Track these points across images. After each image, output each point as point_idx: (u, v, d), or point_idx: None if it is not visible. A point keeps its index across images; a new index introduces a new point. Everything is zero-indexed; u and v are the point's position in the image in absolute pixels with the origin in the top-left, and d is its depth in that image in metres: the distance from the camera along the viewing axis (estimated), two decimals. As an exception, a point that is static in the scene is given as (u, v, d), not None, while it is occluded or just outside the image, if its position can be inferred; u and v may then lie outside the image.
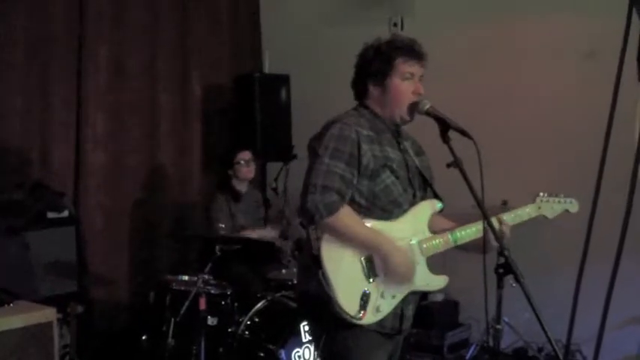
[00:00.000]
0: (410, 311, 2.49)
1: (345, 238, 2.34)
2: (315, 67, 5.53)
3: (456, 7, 4.94)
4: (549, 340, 2.06)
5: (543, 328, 2.06)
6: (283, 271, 4.29)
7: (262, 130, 5.36)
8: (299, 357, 3.72)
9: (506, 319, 4.00)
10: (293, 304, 3.82)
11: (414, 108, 2.45)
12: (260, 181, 5.49)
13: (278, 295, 3.96)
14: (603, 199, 2.63)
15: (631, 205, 2.27)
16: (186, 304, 3.70)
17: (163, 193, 5.24)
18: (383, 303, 2.36)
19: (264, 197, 5.03)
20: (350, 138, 2.38)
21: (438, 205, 2.51)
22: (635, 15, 2.36)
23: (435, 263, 2.48)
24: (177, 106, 5.34)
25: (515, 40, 4.70)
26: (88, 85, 4.71)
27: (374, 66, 2.47)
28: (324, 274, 2.30)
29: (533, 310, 2.06)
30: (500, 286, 2.17)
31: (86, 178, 4.71)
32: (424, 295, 3.78)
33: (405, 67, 2.44)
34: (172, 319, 3.78)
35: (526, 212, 2.61)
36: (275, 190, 4.76)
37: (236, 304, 3.93)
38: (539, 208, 2.63)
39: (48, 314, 3.36)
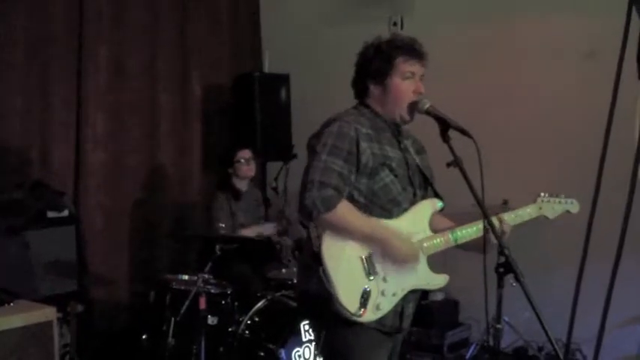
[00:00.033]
0: (410, 309, 2.49)
1: (344, 232, 2.33)
2: (315, 67, 5.53)
3: (456, 7, 4.94)
4: (549, 340, 2.06)
5: (543, 328, 2.06)
6: (283, 270, 4.30)
7: (262, 129, 5.35)
8: (299, 356, 3.72)
9: (506, 319, 4.00)
10: (293, 304, 3.82)
11: (414, 107, 2.45)
12: (260, 180, 5.49)
13: (278, 294, 3.96)
14: (603, 199, 2.63)
15: (631, 204, 2.27)
16: (187, 303, 3.70)
17: (163, 193, 5.24)
18: (383, 301, 2.36)
19: (264, 196, 5.04)
20: (349, 135, 2.38)
21: (439, 204, 2.51)
22: (634, 14, 2.36)
23: (436, 262, 2.48)
24: (177, 106, 5.34)
25: (515, 40, 4.70)
26: (88, 85, 4.70)
27: (374, 65, 2.47)
28: (324, 272, 2.29)
29: (534, 309, 2.05)
30: (500, 285, 2.17)
31: (86, 178, 4.71)
32: (424, 294, 3.77)
33: (406, 66, 2.44)
34: (172, 319, 3.78)
35: (527, 212, 2.61)
36: (275, 189, 4.76)
37: (236, 304, 3.93)
38: (540, 208, 2.63)
39: (48, 313, 3.35)
